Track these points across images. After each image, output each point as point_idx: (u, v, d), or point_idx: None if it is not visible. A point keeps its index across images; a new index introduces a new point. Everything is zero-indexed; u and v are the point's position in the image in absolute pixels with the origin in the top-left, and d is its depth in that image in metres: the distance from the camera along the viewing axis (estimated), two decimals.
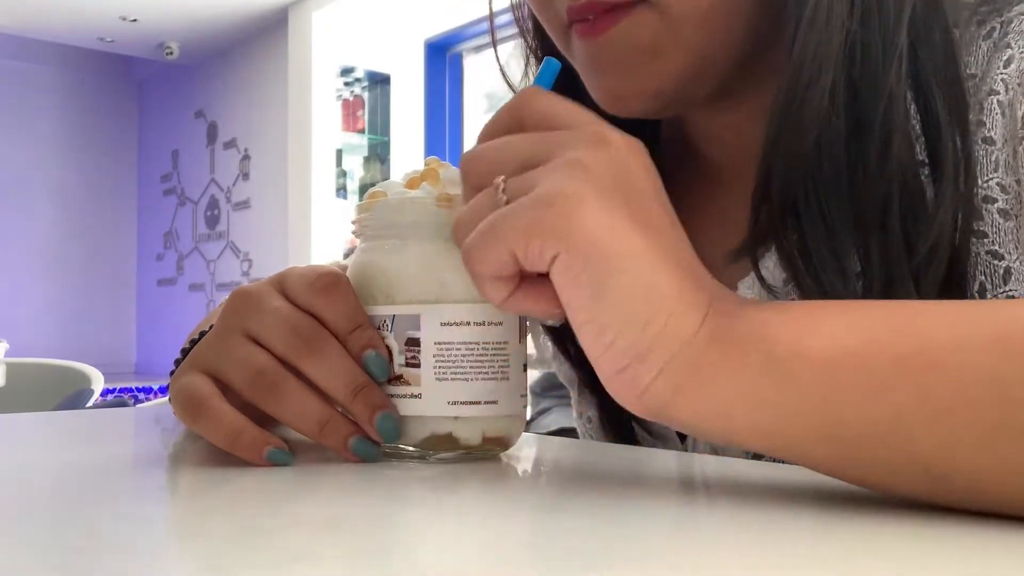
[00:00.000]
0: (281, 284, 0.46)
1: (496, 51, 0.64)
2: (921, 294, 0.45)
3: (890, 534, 0.29)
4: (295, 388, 0.43)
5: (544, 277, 0.36)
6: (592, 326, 0.34)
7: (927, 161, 0.47)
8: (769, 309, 0.35)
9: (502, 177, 0.37)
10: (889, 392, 0.30)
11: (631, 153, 0.37)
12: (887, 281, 0.45)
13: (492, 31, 0.64)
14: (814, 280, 0.46)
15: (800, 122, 0.46)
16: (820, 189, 0.46)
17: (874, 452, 0.31)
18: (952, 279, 0.46)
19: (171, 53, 5.15)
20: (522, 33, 0.62)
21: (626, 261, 0.34)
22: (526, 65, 0.63)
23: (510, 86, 0.63)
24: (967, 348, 0.30)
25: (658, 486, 0.38)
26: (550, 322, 0.39)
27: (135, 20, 4.76)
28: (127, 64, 5.84)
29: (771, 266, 0.52)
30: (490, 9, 0.63)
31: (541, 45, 0.61)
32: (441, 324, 0.44)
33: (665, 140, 0.63)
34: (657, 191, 0.38)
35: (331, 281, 0.45)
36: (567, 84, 0.47)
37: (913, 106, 0.47)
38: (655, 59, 0.49)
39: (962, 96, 0.47)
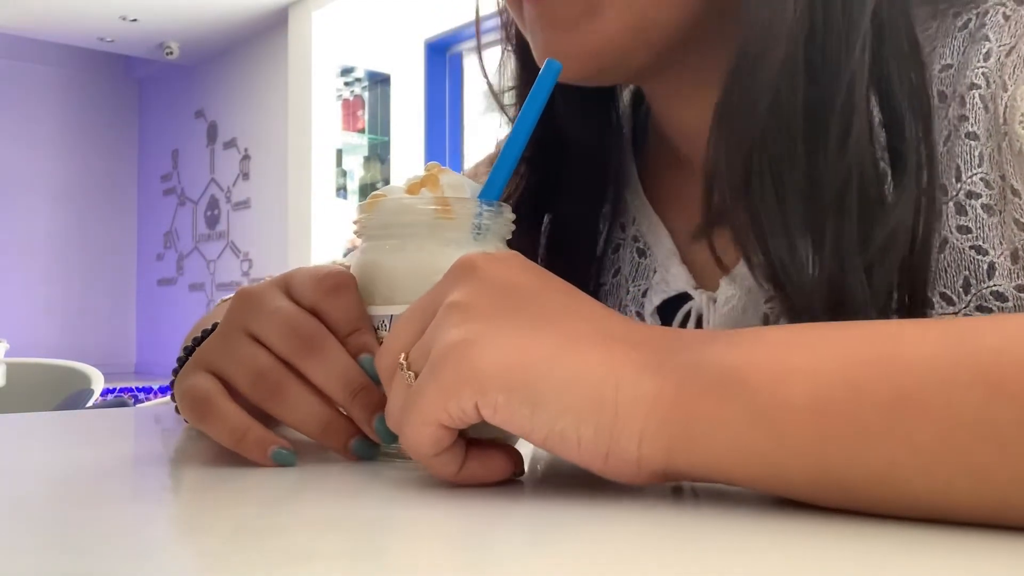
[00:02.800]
0: (286, 284, 0.46)
1: (480, 54, 0.65)
2: (873, 289, 0.44)
3: (890, 531, 0.29)
4: (296, 389, 0.43)
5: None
6: (553, 437, 0.33)
7: (888, 155, 0.46)
8: (733, 348, 0.33)
9: (403, 354, 0.37)
10: (878, 443, 0.30)
11: (500, 264, 0.37)
12: (838, 269, 0.44)
13: (478, 33, 0.65)
14: (763, 255, 0.45)
15: (749, 94, 0.45)
16: (773, 162, 0.45)
17: (870, 495, 0.31)
18: (914, 285, 0.45)
19: (171, 53, 5.16)
20: (503, 26, 0.64)
21: (542, 365, 0.33)
22: (501, 56, 0.64)
23: (492, 90, 0.64)
24: (952, 386, 0.29)
25: (659, 485, 0.38)
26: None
27: (135, 20, 4.77)
28: (127, 64, 5.85)
29: (744, 273, 0.52)
30: (476, 12, 0.64)
31: (516, 36, 0.62)
32: None
33: (651, 136, 0.64)
34: (544, 281, 0.38)
35: (338, 282, 0.45)
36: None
37: (875, 101, 0.46)
38: (594, 17, 0.50)
39: (926, 96, 0.46)
